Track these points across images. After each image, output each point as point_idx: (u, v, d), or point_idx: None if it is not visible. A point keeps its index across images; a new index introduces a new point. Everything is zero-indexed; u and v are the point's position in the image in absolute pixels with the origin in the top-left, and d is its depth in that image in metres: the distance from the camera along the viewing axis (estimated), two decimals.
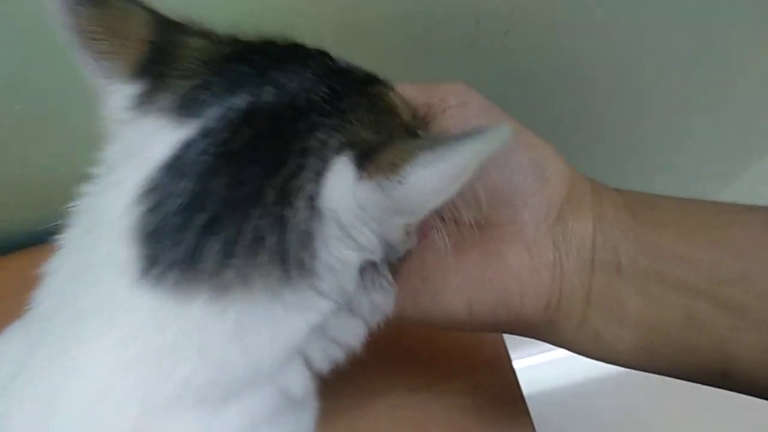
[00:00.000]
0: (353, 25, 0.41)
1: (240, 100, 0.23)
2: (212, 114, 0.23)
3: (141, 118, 0.24)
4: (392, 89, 0.27)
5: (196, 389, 0.21)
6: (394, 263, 0.25)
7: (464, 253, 0.28)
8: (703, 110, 0.63)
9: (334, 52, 0.27)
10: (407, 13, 0.42)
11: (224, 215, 0.21)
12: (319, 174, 0.22)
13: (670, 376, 0.28)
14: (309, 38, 0.27)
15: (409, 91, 0.28)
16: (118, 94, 0.24)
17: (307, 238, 0.22)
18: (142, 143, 0.23)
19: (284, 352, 0.23)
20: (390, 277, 0.25)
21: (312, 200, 0.22)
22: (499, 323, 0.29)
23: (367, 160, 0.21)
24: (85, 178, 0.24)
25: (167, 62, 0.25)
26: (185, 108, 0.23)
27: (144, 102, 0.24)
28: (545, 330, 0.29)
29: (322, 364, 0.25)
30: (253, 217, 0.21)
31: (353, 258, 0.23)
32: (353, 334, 0.25)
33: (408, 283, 0.28)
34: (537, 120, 0.57)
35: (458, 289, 0.28)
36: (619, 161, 0.70)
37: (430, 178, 0.20)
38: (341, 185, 0.22)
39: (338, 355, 0.25)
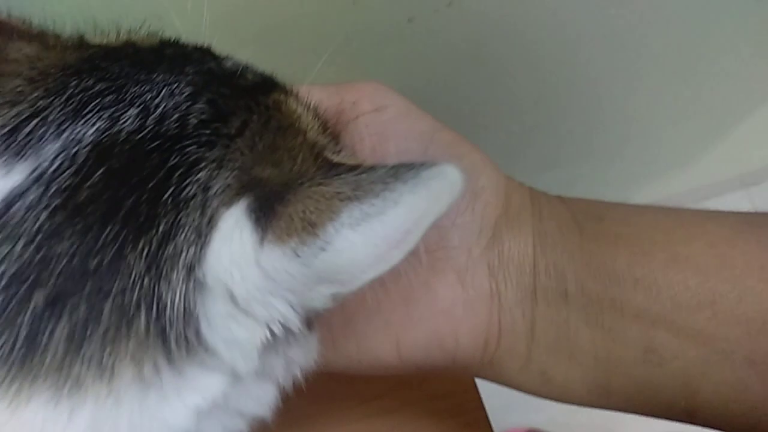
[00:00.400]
0: None
1: (88, 131, 0.18)
2: (47, 153, 0.17)
3: None
4: (292, 94, 0.22)
5: None
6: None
7: (386, 288, 0.23)
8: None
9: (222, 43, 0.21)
10: None
11: (71, 291, 0.16)
12: (200, 234, 0.17)
13: (630, 413, 0.25)
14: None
15: (315, 95, 0.23)
16: None
17: (190, 316, 0.17)
18: None
19: None
20: (306, 327, 0.20)
21: (192, 272, 0.17)
22: (434, 365, 0.25)
23: (269, 212, 0.17)
24: None
25: None
26: (10, 147, 0.18)
27: None
28: (487, 371, 0.25)
29: None
30: (111, 292, 0.16)
31: (252, 334, 0.18)
32: (260, 401, 0.20)
33: (327, 328, 0.23)
34: (485, 101, 0.55)
35: (383, 331, 0.24)
36: (582, 134, 0.67)
37: (363, 244, 0.16)
38: (233, 250, 0.17)
39: (241, 428, 0.20)
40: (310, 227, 0.16)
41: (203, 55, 0.21)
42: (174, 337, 0.17)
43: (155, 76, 0.19)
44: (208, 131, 0.18)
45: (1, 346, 0.16)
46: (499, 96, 0.55)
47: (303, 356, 0.21)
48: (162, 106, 0.18)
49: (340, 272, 0.17)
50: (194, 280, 0.17)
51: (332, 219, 0.16)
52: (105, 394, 0.16)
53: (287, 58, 0.38)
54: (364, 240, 0.16)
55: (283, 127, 0.20)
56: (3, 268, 0.16)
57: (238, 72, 0.21)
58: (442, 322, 0.24)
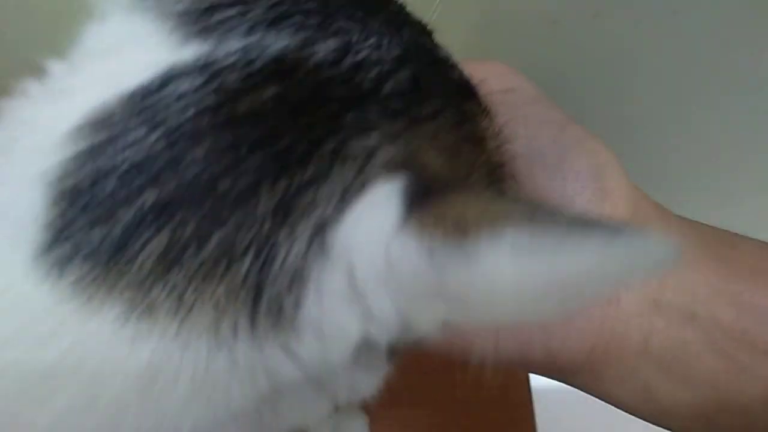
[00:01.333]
0: None
1: (276, 43, 0.16)
2: (228, 46, 0.16)
3: (141, 11, 0.17)
4: (487, 112, 0.20)
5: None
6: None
7: None
8: None
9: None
10: None
11: (186, 204, 0.15)
12: (344, 196, 0.15)
13: None
14: None
15: None
16: None
17: (298, 281, 0.15)
18: (122, 48, 0.17)
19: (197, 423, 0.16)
20: (386, 356, 0.18)
21: (321, 231, 0.15)
22: (530, 362, 0.23)
23: (423, 200, 0.15)
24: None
25: None
26: (198, 23, 0.17)
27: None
28: (585, 377, 0.23)
29: None
30: (227, 222, 0.15)
31: (353, 327, 0.15)
32: (307, 411, 0.18)
33: None
34: (620, 113, 0.55)
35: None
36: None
37: (515, 274, 0.13)
38: (373, 225, 0.15)
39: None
40: (459, 232, 0.14)
41: (422, 29, 0.20)
42: (269, 298, 0.15)
43: (370, 20, 0.17)
44: (399, 103, 0.16)
45: (93, 237, 0.14)
46: (622, 112, 0.55)
47: (367, 385, 0.19)
48: (364, 54, 0.17)
49: (468, 293, 0.14)
50: (319, 242, 0.15)
51: (491, 234, 0.13)
52: (173, 333, 0.14)
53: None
54: (519, 270, 0.13)
55: (470, 138, 0.18)
56: (127, 154, 0.15)
57: (449, 63, 0.20)
58: (552, 323, 0.22)
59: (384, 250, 0.14)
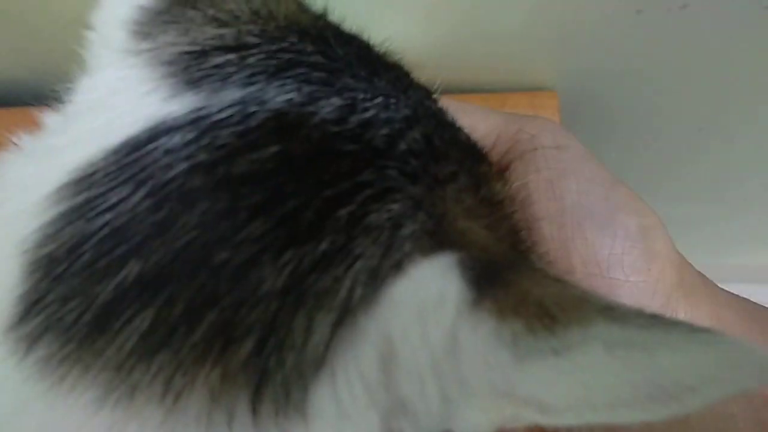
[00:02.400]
0: None
1: (278, 95, 0.14)
2: (223, 97, 0.14)
3: (128, 55, 0.16)
4: (500, 177, 0.20)
5: None
6: None
7: None
8: None
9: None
10: None
11: (175, 278, 0.13)
12: (375, 275, 0.13)
13: None
14: None
15: (492, 119, 0.23)
16: (123, 1, 0.17)
17: (315, 368, 0.13)
18: (109, 100, 0.15)
19: None
20: None
21: (347, 317, 0.13)
22: None
23: (493, 277, 0.13)
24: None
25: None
26: (189, 70, 0.15)
27: (141, 32, 0.16)
28: None
29: None
30: (223, 299, 0.13)
31: (374, 421, 0.13)
32: None
33: None
34: (702, 107, 0.53)
35: None
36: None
37: (613, 373, 0.11)
38: (426, 308, 0.12)
39: None
40: (548, 319, 0.12)
41: (427, 92, 0.20)
42: (275, 385, 0.13)
43: (376, 80, 0.16)
44: (416, 163, 0.15)
45: (69, 311, 0.13)
46: (704, 105, 0.54)
47: None
48: (372, 113, 0.15)
49: (554, 392, 0.12)
50: (347, 329, 0.13)
51: (582, 325, 0.11)
52: (156, 422, 0.12)
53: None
54: (619, 368, 0.11)
55: (490, 200, 0.17)
56: (108, 217, 0.13)
57: (456, 126, 0.20)
58: None
59: (448, 330, 0.12)
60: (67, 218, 0.13)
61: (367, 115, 0.15)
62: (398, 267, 0.13)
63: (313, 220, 0.13)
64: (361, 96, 0.15)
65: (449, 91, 0.52)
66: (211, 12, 0.16)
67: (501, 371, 0.12)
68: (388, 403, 0.13)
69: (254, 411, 0.12)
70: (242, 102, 0.14)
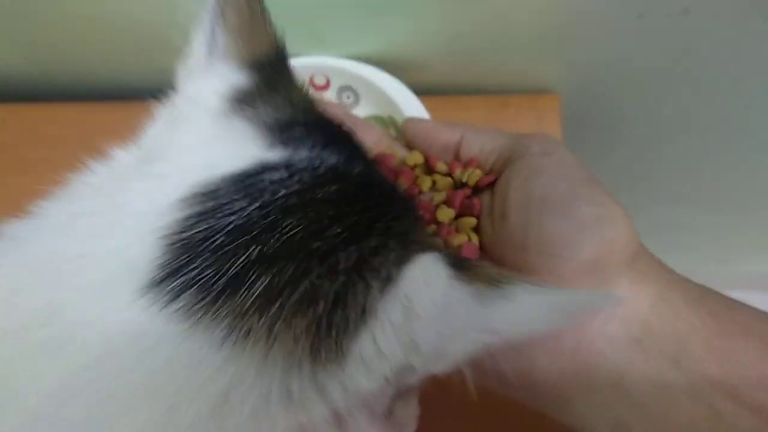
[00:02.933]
0: None
1: (330, 158, 0.22)
2: (300, 155, 0.22)
3: (231, 116, 0.23)
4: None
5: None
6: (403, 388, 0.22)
7: None
8: None
9: None
10: None
11: (285, 257, 0.19)
12: (399, 261, 0.20)
13: None
14: None
15: (498, 140, 0.29)
16: (219, 78, 0.24)
17: (363, 321, 0.19)
18: (215, 143, 0.22)
19: None
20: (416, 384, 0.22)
21: (388, 284, 0.20)
22: (509, 383, 0.25)
23: (460, 265, 0.20)
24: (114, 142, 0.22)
25: (281, 78, 0.25)
26: (282, 134, 0.23)
27: (243, 102, 0.23)
28: (558, 403, 0.25)
29: None
30: (313, 272, 0.19)
31: (399, 356, 0.19)
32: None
33: None
34: (702, 111, 0.54)
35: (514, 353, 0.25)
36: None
37: (538, 304, 0.19)
38: (430, 280, 0.20)
39: None
40: (495, 283, 0.19)
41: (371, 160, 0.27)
42: (333, 334, 0.18)
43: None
44: (403, 207, 0.24)
45: (208, 276, 0.18)
46: (704, 110, 0.54)
47: (403, 411, 0.23)
48: (378, 177, 0.25)
49: (506, 322, 0.19)
50: (386, 290, 0.19)
51: (513, 283, 0.19)
52: (259, 359, 0.17)
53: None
54: (539, 302, 0.19)
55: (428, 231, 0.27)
56: (233, 218, 0.19)
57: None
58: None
59: (442, 296, 0.20)
60: (201, 216, 0.19)
61: (377, 178, 0.24)
62: (410, 259, 0.20)
63: (366, 226, 0.20)
64: (371, 167, 0.25)
65: (454, 92, 0.53)
66: (287, 97, 0.24)
67: (476, 316, 0.19)
68: (408, 343, 0.19)
69: (314, 356, 0.18)
70: (310, 159, 0.22)
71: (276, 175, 0.21)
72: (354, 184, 0.22)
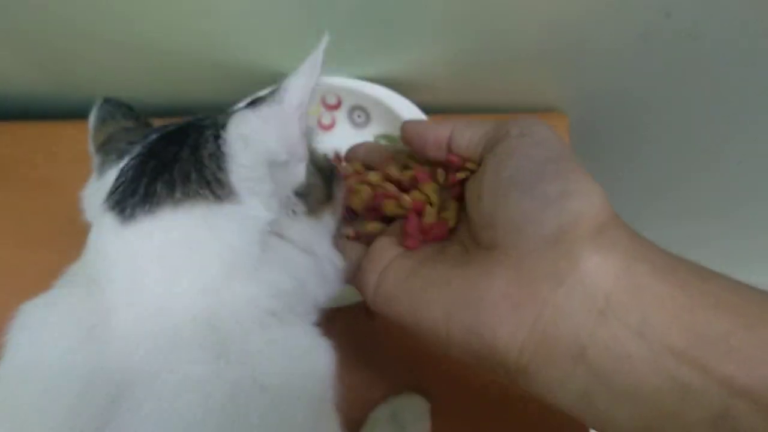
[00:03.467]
0: None
1: (150, 140, 0.29)
2: (135, 152, 0.28)
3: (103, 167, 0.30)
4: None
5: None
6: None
7: (461, 266, 0.27)
8: None
9: None
10: None
11: (168, 163, 0.27)
12: (214, 130, 0.28)
13: None
14: None
15: (485, 127, 0.30)
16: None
17: (222, 161, 0.27)
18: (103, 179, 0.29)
19: (248, 244, 0.26)
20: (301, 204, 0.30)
21: (217, 138, 0.27)
22: (474, 353, 0.26)
23: (254, 102, 0.29)
24: None
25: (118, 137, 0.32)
26: (120, 154, 0.29)
27: (103, 162, 0.30)
28: (523, 376, 0.25)
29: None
30: (176, 166, 0.27)
31: (260, 166, 0.27)
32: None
33: (404, 277, 0.29)
34: (708, 133, 0.54)
35: (439, 298, 0.27)
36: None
37: (300, 80, 0.28)
38: (234, 123, 0.28)
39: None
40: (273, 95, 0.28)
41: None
42: (212, 179, 0.26)
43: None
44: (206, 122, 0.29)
45: (134, 190, 0.26)
46: (709, 132, 0.55)
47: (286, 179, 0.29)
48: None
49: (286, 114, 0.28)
50: (220, 141, 0.27)
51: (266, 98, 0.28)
52: (209, 206, 0.26)
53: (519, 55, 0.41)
54: (266, 114, 0.28)
55: None
56: (128, 175, 0.27)
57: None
58: (487, 312, 0.25)
59: (252, 120, 0.28)
60: (117, 190, 0.27)
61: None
62: (228, 118, 0.28)
63: (183, 137, 0.28)
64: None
65: (463, 111, 0.54)
66: (110, 146, 0.32)
67: (287, 108, 0.28)
68: (257, 154, 0.27)
69: (216, 196, 0.26)
70: (141, 148, 0.29)
71: (132, 160, 0.28)
72: (172, 134, 0.29)
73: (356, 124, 0.52)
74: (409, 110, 0.48)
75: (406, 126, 0.34)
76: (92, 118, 0.34)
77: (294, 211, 0.29)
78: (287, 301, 0.27)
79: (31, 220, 0.55)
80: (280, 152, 0.27)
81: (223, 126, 0.28)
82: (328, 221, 0.31)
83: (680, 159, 0.61)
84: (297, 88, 0.28)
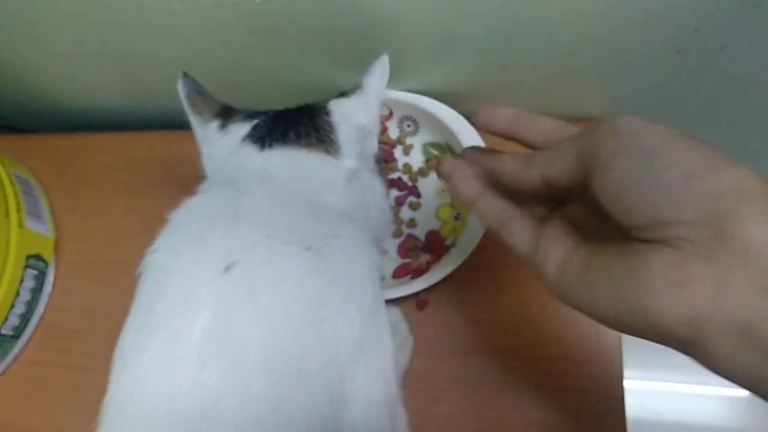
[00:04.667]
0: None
1: (269, 113, 0.43)
2: (262, 117, 0.42)
3: (227, 126, 0.43)
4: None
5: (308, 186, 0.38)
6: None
7: (622, 255, 0.27)
8: None
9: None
10: (628, 3, 0.43)
11: (290, 127, 0.40)
12: (326, 110, 0.42)
13: None
14: None
15: (565, 149, 0.29)
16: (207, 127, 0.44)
17: (329, 131, 0.40)
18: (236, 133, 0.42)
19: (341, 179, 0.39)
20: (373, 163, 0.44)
21: (326, 115, 0.41)
22: (645, 334, 0.26)
23: (345, 93, 0.43)
24: None
25: (229, 112, 0.44)
26: (248, 117, 0.43)
27: (226, 122, 0.43)
28: (693, 351, 0.25)
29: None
30: (300, 126, 0.40)
31: (354, 137, 0.41)
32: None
33: (580, 273, 0.29)
34: (739, 146, 0.56)
35: (609, 290, 0.27)
36: None
37: (375, 79, 0.43)
38: (336, 106, 0.42)
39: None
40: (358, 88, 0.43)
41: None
42: (325, 139, 0.40)
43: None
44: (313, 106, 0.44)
45: (271, 132, 0.40)
46: (741, 145, 0.56)
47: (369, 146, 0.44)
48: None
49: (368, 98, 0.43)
50: (328, 116, 0.41)
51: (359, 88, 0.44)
52: (321, 153, 0.39)
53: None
54: (356, 101, 0.43)
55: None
56: (265, 126, 0.41)
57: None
58: (649, 297, 0.25)
59: (349, 106, 0.42)
60: (255, 130, 0.41)
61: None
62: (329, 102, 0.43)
63: (301, 112, 0.42)
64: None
65: None
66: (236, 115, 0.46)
67: (369, 98, 0.43)
68: (353, 128, 0.42)
69: (326, 149, 0.40)
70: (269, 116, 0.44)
71: (260, 123, 0.42)
72: (290, 111, 0.43)
73: (406, 133, 0.56)
74: (454, 119, 0.52)
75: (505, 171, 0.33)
76: (182, 87, 0.44)
77: (370, 169, 0.43)
78: (356, 215, 0.39)
79: (115, 221, 0.61)
80: (367, 125, 0.41)
81: (327, 109, 0.41)
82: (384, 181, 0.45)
83: None
84: (374, 84, 0.42)
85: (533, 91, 0.55)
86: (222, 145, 0.41)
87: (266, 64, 0.54)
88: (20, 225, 0.56)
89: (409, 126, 0.56)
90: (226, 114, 0.43)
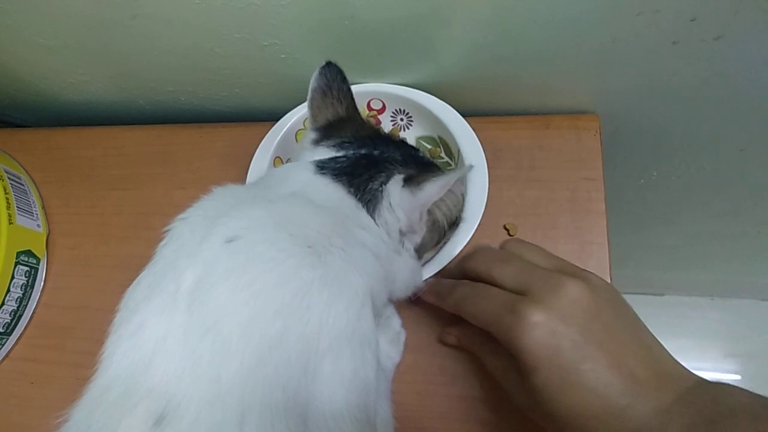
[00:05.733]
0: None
1: (357, 152, 0.44)
2: (346, 152, 0.44)
3: (319, 144, 0.46)
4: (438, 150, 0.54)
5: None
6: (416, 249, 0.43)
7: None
8: None
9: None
10: None
11: (355, 174, 0.41)
12: (385, 179, 0.41)
13: None
14: None
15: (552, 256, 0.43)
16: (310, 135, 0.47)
17: (375, 199, 0.40)
18: (314, 155, 0.44)
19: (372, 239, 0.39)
20: (412, 251, 0.43)
21: (381, 185, 0.41)
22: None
23: (409, 179, 0.41)
24: None
25: (345, 124, 0.47)
26: (340, 146, 0.45)
27: (318, 141, 0.46)
28: None
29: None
30: (361, 180, 0.41)
31: (394, 220, 0.41)
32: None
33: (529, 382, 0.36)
34: (732, 136, 0.56)
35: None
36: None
37: (434, 185, 0.39)
38: (393, 185, 0.41)
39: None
40: (417, 182, 0.40)
41: (404, 143, 0.48)
42: (366, 201, 0.40)
43: (382, 142, 0.46)
44: (399, 157, 0.44)
45: (336, 169, 0.41)
46: (734, 135, 0.56)
47: (412, 241, 0.43)
48: (381, 150, 0.44)
49: (422, 198, 0.39)
50: (380, 190, 0.41)
51: (427, 181, 0.40)
52: (352, 205, 0.40)
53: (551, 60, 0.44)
54: (433, 183, 0.39)
55: (422, 161, 0.47)
56: (340, 165, 0.42)
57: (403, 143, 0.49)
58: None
59: (397, 195, 0.40)
60: (327, 165, 0.42)
61: (382, 150, 0.45)
62: (390, 177, 0.41)
63: (372, 167, 0.42)
64: (378, 146, 0.45)
65: (498, 113, 0.57)
66: (350, 130, 0.48)
67: (417, 201, 0.40)
68: (396, 216, 0.41)
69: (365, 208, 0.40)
70: (352, 153, 0.44)
71: (341, 158, 0.43)
72: (372, 157, 0.43)
73: (399, 126, 0.56)
74: (447, 113, 0.52)
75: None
76: (315, 82, 0.46)
77: (402, 251, 0.42)
78: (378, 276, 0.39)
79: (108, 217, 0.61)
80: (403, 225, 0.41)
81: (387, 181, 0.41)
82: (418, 262, 0.45)
83: (711, 159, 0.62)
84: (430, 193, 0.39)
85: (527, 84, 0.54)
86: (306, 158, 0.44)
87: (259, 58, 0.53)
88: (10, 221, 0.55)
89: (402, 119, 0.55)
90: (326, 131, 0.46)
